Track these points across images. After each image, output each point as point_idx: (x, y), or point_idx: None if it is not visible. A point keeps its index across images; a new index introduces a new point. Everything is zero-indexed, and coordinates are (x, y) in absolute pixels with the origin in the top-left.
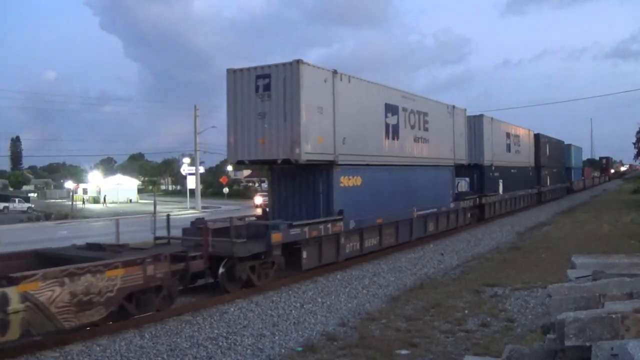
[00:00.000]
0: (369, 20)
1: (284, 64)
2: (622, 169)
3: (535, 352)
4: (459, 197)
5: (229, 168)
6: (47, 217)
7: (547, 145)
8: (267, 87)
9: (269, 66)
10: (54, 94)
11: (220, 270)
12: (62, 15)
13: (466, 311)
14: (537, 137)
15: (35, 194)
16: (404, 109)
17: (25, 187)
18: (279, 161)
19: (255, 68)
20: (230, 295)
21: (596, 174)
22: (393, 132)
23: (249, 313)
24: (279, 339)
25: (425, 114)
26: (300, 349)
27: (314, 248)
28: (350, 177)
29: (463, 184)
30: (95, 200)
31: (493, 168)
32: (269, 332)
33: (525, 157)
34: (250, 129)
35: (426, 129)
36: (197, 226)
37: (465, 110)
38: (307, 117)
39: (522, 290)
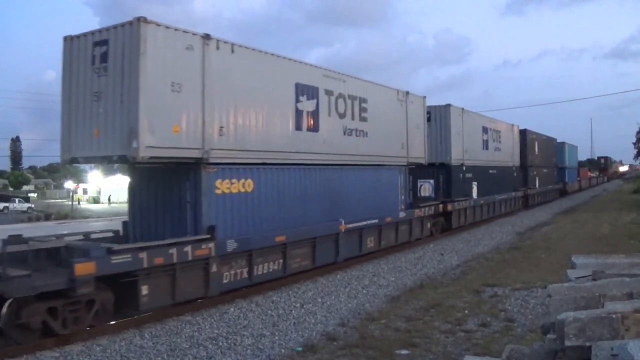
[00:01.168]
0: (369, 20)
1: (123, 25)
2: (622, 169)
3: (535, 352)
4: (416, 203)
5: None
6: (47, 217)
7: (536, 143)
8: (104, 58)
9: (108, 29)
10: (54, 94)
11: (2, 311)
12: (62, 15)
13: (466, 311)
14: (523, 133)
15: (35, 194)
16: (328, 92)
17: (25, 187)
18: (114, 158)
19: (93, 32)
20: (230, 295)
21: (594, 174)
22: (309, 121)
23: (249, 313)
24: (279, 339)
25: (363, 100)
26: (300, 349)
27: (161, 280)
28: (234, 180)
29: (427, 188)
30: (95, 200)
31: (464, 168)
32: (269, 332)
33: (508, 155)
34: (85, 114)
35: (364, 119)
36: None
37: (425, 98)
38: (151, 96)
39: (522, 290)
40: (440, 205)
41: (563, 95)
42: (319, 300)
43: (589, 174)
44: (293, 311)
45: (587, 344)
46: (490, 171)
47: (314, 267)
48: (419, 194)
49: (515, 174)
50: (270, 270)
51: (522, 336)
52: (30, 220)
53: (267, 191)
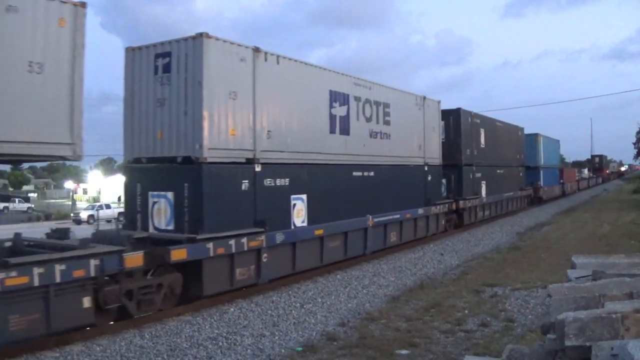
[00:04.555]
0: (371, 21)
1: None
2: (622, 168)
3: (535, 352)
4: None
5: None
6: (47, 217)
7: (483, 132)
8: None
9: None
10: None
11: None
12: None
13: (466, 311)
14: (453, 115)
15: (35, 194)
16: None
17: (25, 187)
18: None
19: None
20: (230, 295)
21: (586, 174)
22: None
23: (249, 313)
24: (279, 339)
25: None
26: (300, 349)
27: None
28: None
29: (162, 209)
30: (95, 200)
31: (258, 169)
32: (269, 332)
33: (410, 147)
34: None
35: None
36: None
37: (81, 6)
38: None
39: (522, 290)
40: (129, 258)
41: (563, 96)
42: (319, 300)
43: (577, 175)
44: (293, 311)
45: (587, 344)
46: (357, 174)
47: None
48: (151, 222)
49: (430, 178)
50: None
51: (522, 336)
52: (30, 220)
53: None
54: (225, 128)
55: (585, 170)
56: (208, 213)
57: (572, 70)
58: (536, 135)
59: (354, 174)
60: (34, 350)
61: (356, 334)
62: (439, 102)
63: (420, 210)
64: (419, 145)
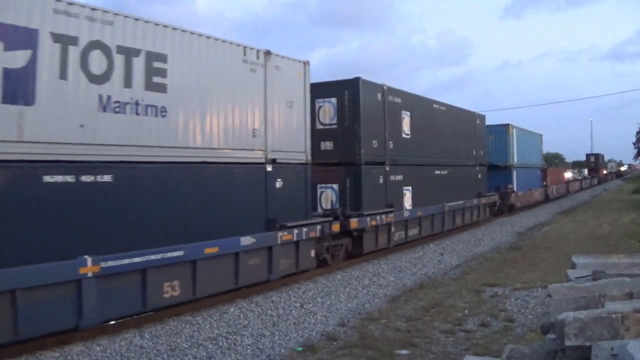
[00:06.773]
0: (372, 23)
1: None
2: (622, 168)
3: (535, 352)
4: None
5: None
6: None
7: (408, 116)
8: None
9: None
10: None
11: None
12: None
13: (466, 311)
14: (349, 88)
15: None
16: None
17: None
18: None
19: None
20: (230, 294)
21: (578, 175)
22: None
23: (249, 313)
24: (279, 339)
25: None
26: (300, 348)
27: None
28: None
29: None
30: None
31: None
32: (269, 332)
33: (226, 131)
34: None
35: None
36: None
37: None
38: None
39: (522, 290)
40: None
41: (563, 96)
42: (319, 300)
43: (573, 175)
44: (293, 311)
45: (587, 344)
46: (57, 179)
47: None
48: None
49: (279, 185)
50: None
51: (522, 336)
52: None
53: None
54: None
55: (586, 171)
56: None
57: (571, 70)
58: (507, 126)
59: (47, 179)
60: (33, 350)
61: (356, 334)
62: (305, 63)
63: (248, 240)
64: (253, 130)
